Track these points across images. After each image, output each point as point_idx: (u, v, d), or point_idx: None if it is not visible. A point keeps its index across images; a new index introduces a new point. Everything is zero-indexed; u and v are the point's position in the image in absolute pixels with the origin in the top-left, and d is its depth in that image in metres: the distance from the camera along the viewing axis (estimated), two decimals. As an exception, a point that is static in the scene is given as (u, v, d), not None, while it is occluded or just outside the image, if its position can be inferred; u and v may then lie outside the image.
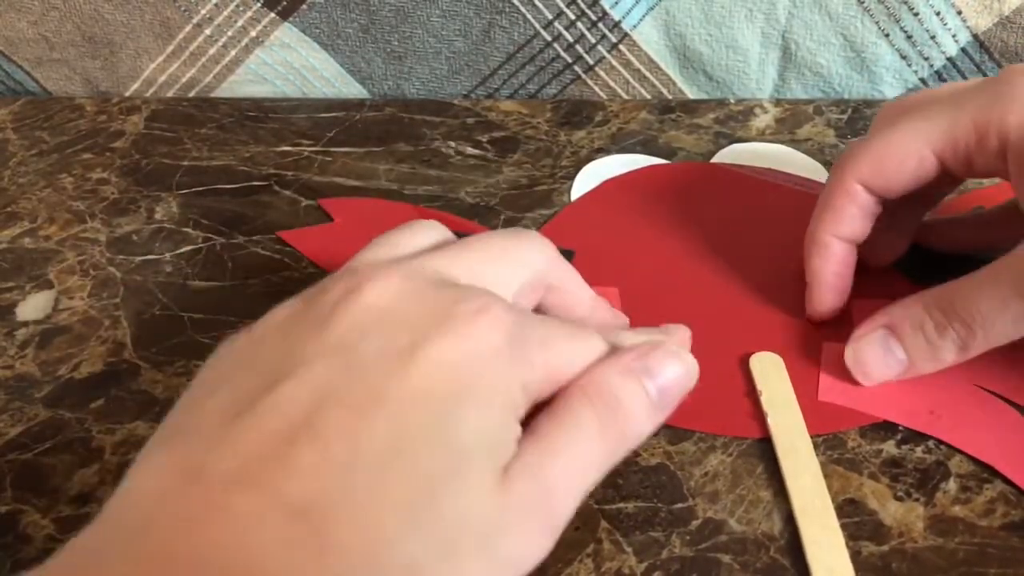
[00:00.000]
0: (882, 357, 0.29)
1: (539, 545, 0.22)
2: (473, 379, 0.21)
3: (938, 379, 0.29)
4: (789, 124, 0.45)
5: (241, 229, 0.39)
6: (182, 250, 0.38)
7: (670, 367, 0.25)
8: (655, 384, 0.24)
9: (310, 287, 0.24)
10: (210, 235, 0.39)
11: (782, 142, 0.44)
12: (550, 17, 0.47)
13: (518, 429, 0.22)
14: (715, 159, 0.43)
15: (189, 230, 0.40)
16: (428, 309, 0.22)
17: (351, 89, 0.50)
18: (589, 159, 0.43)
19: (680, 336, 0.29)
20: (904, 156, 0.30)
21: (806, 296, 0.33)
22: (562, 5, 0.47)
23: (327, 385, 0.21)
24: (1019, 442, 0.29)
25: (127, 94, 0.51)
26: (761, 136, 0.45)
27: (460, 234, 0.27)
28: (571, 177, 0.42)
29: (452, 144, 0.45)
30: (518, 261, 0.26)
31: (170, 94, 0.50)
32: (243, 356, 0.23)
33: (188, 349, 0.34)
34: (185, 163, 0.44)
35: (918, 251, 0.35)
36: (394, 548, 0.19)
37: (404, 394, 0.21)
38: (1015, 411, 0.30)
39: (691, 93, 0.49)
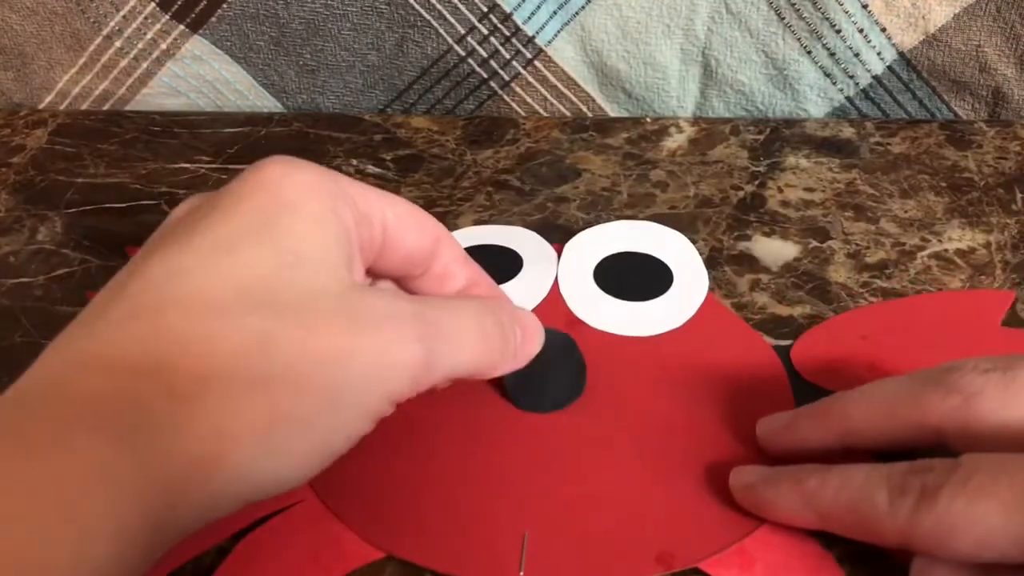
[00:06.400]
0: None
1: (411, 348, 0.23)
2: (274, 192, 0.23)
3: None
4: (702, 145, 0.44)
5: (120, 252, 0.39)
6: (57, 273, 0.38)
7: (531, 329, 0.29)
8: (522, 336, 0.28)
9: None
10: (88, 257, 0.38)
11: (693, 163, 0.43)
12: (463, 32, 0.46)
13: (354, 240, 0.24)
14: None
15: (68, 252, 0.39)
16: (220, 189, 0.24)
17: (266, 102, 0.49)
18: (492, 180, 0.42)
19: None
20: None
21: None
22: (474, 20, 0.45)
23: (149, 251, 0.23)
24: None
25: (41, 106, 0.50)
26: (671, 157, 0.43)
27: None
28: (470, 199, 0.41)
29: (355, 162, 0.44)
30: None
31: (84, 106, 0.50)
32: None
33: (40, 379, 0.33)
34: (79, 180, 0.43)
35: None
36: (236, 323, 0.21)
37: (213, 221, 0.23)
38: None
39: (612, 111, 0.48)
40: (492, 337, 0.26)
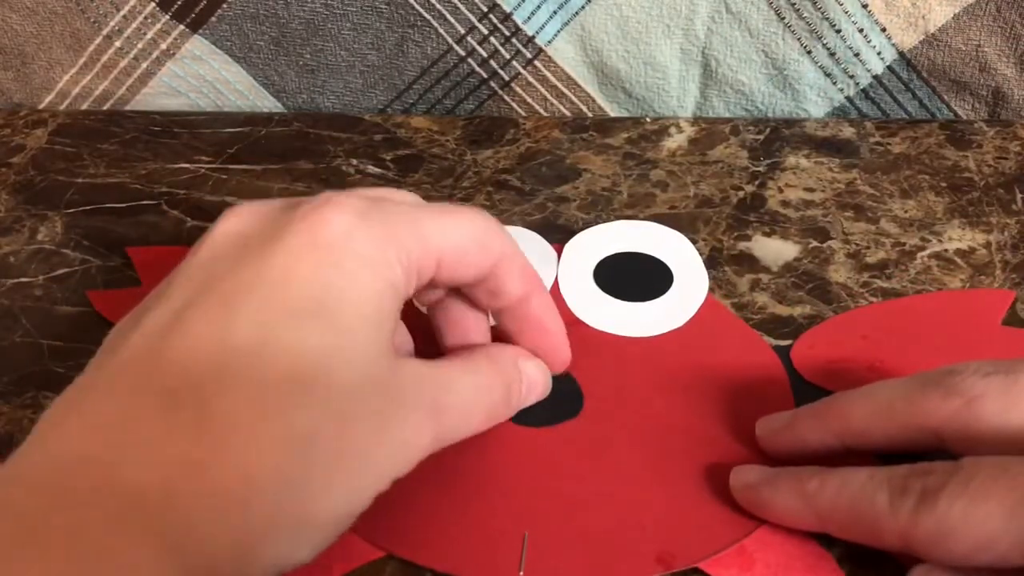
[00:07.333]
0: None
1: (424, 440, 0.24)
2: (333, 259, 0.23)
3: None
4: (702, 145, 0.44)
5: (120, 252, 0.39)
6: (56, 273, 0.38)
7: (539, 380, 0.30)
8: (526, 386, 0.29)
9: None
10: (88, 257, 0.38)
11: (693, 164, 0.43)
12: (462, 32, 0.46)
13: (400, 304, 0.24)
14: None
15: (68, 252, 0.39)
16: (276, 220, 0.24)
17: (266, 102, 0.49)
18: (492, 180, 0.42)
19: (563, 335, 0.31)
20: None
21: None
22: (474, 20, 0.45)
23: (192, 296, 0.22)
24: None
25: (41, 106, 0.50)
26: (671, 157, 0.43)
27: None
28: (470, 199, 0.41)
29: (355, 162, 0.44)
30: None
31: (84, 106, 0.50)
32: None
33: (40, 379, 0.33)
34: (79, 180, 0.43)
35: None
36: (283, 417, 0.21)
37: (265, 284, 0.22)
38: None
39: (612, 111, 0.48)
40: (498, 408, 0.28)
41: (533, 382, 0.29)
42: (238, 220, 0.24)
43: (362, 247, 0.23)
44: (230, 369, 0.21)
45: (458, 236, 0.26)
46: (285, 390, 0.21)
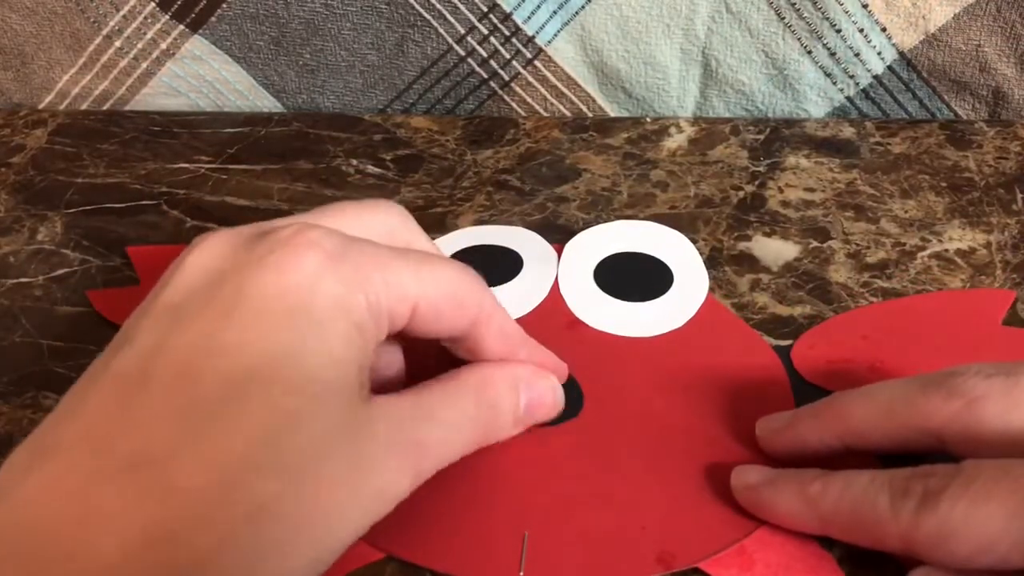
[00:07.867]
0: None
1: (403, 483, 0.23)
2: (302, 305, 0.22)
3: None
4: (702, 145, 0.44)
5: (120, 252, 0.39)
6: (56, 273, 0.38)
7: (546, 399, 0.29)
8: (527, 405, 0.28)
9: None
10: (88, 258, 0.38)
11: (693, 163, 0.43)
12: (463, 32, 0.46)
13: (371, 349, 0.23)
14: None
15: (68, 252, 0.39)
16: (245, 253, 0.23)
17: (265, 102, 0.49)
18: (492, 180, 0.42)
19: (561, 371, 0.30)
20: None
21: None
22: (474, 20, 0.45)
23: (157, 343, 0.22)
24: None
25: (41, 106, 0.50)
26: (671, 157, 0.43)
27: None
28: (470, 199, 0.41)
29: (354, 162, 0.44)
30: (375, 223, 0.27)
31: (84, 106, 0.50)
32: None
33: (40, 379, 0.33)
34: (79, 180, 0.43)
35: None
36: (249, 483, 0.20)
37: (233, 336, 0.21)
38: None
39: (612, 111, 0.48)
40: (487, 436, 0.27)
41: (538, 402, 0.29)
42: (208, 253, 0.24)
43: (331, 288, 0.22)
44: (194, 432, 0.20)
45: (433, 287, 0.25)
46: (248, 456, 0.20)
